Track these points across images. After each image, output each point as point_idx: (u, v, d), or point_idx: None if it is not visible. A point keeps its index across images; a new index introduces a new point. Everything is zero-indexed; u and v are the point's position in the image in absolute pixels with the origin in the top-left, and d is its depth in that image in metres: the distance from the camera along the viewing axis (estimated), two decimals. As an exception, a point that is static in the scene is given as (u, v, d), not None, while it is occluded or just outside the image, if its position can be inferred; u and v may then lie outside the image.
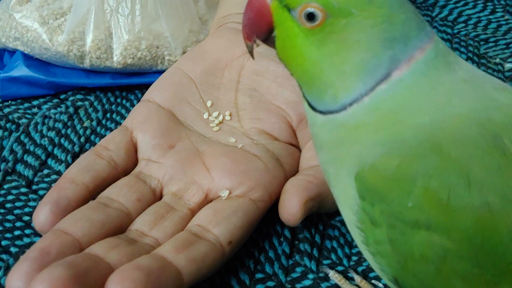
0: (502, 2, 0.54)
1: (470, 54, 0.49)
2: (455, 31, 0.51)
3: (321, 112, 0.26)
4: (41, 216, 0.32)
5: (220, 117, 0.38)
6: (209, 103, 0.39)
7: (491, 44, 0.50)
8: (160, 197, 0.34)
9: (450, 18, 0.53)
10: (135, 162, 0.36)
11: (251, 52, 0.28)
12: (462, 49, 0.49)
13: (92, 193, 0.34)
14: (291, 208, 0.33)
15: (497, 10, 0.53)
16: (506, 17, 0.53)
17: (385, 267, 0.25)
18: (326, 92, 0.25)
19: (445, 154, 0.23)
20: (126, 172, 0.35)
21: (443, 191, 0.22)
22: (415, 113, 0.24)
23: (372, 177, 0.24)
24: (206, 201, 0.34)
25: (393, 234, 0.24)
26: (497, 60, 0.48)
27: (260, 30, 0.27)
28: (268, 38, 0.27)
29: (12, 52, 0.47)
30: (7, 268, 0.35)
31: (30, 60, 0.46)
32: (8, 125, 0.44)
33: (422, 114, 0.24)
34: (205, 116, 0.38)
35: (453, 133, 0.23)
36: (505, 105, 0.24)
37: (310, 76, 0.25)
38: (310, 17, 0.24)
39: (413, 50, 0.24)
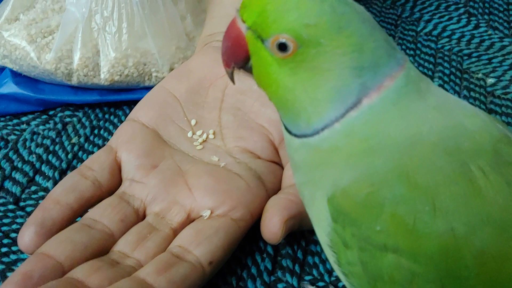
0: (486, 17, 0.55)
1: (453, 69, 0.49)
2: (439, 45, 0.52)
3: (296, 135, 0.27)
4: (26, 237, 0.32)
5: (204, 136, 0.39)
6: (193, 122, 0.39)
7: (474, 59, 0.50)
8: (143, 217, 0.35)
9: (435, 33, 0.54)
10: (119, 182, 0.36)
11: (231, 78, 0.29)
12: (446, 64, 0.50)
13: (77, 214, 0.34)
14: (272, 227, 0.33)
15: (481, 25, 0.54)
16: (489, 32, 0.53)
17: (358, 287, 0.26)
18: (300, 117, 0.26)
19: (412, 182, 0.24)
20: (111, 191, 0.36)
21: (409, 217, 0.23)
22: (385, 140, 0.25)
23: (343, 201, 0.25)
24: (189, 220, 0.34)
25: (363, 256, 0.25)
26: (479, 75, 0.49)
27: (237, 59, 0.27)
28: (245, 65, 0.28)
29: (1, 69, 0.48)
30: (-6, 286, 0.35)
31: (18, 77, 0.47)
32: (-3, 141, 0.45)
33: (392, 142, 0.25)
34: (189, 134, 0.39)
35: (421, 161, 0.24)
36: (474, 132, 0.25)
37: (284, 102, 0.26)
38: (282, 47, 0.25)
39: (383, 78, 0.25)
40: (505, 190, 0.24)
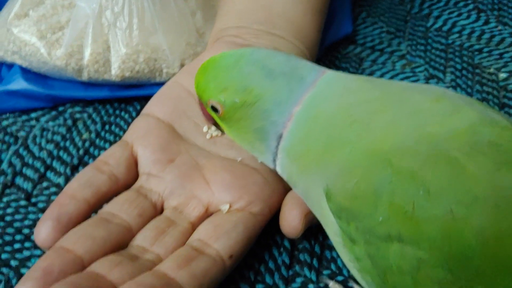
0: (495, 13, 0.55)
1: (464, 64, 0.49)
2: (449, 41, 0.52)
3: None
4: (43, 232, 0.32)
5: (219, 131, 0.38)
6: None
7: (485, 54, 0.50)
8: (161, 211, 0.35)
9: (445, 28, 0.54)
10: (135, 177, 0.36)
11: (216, 130, 0.37)
12: (457, 59, 0.50)
13: (93, 208, 0.34)
14: (292, 221, 0.33)
15: (490, 20, 0.54)
16: (499, 27, 0.53)
17: (371, 282, 0.26)
18: (258, 158, 0.32)
19: (396, 167, 0.24)
20: (127, 186, 0.35)
21: (407, 204, 0.23)
22: (336, 135, 0.27)
23: (339, 197, 0.26)
24: (207, 214, 0.34)
25: (370, 249, 0.25)
26: (491, 70, 0.49)
27: (209, 119, 0.34)
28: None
29: (10, 65, 0.48)
30: (8, 282, 0.35)
31: (28, 73, 0.46)
32: (6, 138, 0.44)
33: (346, 133, 0.27)
34: (205, 129, 0.38)
35: (392, 145, 0.25)
36: (437, 116, 0.25)
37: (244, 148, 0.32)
38: (214, 109, 0.31)
39: (290, 108, 0.29)
40: (492, 168, 0.23)
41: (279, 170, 0.31)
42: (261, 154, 0.31)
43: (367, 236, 0.25)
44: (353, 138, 0.26)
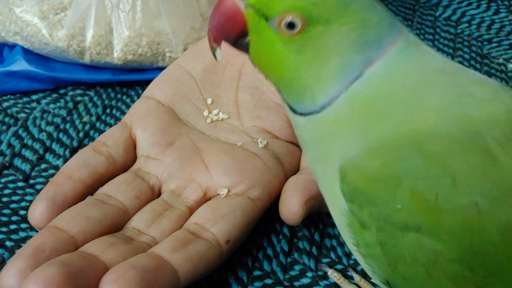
0: (506, 3, 0.54)
1: (473, 54, 0.48)
2: (458, 31, 0.51)
3: (302, 113, 0.27)
4: (37, 211, 0.31)
5: (220, 115, 0.38)
6: (209, 101, 0.38)
7: (494, 45, 0.49)
8: (159, 194, 0.34)
9: (454, 18, 0.53)
10: (133, 159, 0.36)
11: (214, 54, 0.29)
12: (465, 49, 0.49)
13: (90, 189, 0.33)
14: (292, 207, 0.32)
15: (501, 10, 0.53)
16: (510, 17, 0.52)
17: (376, 269, 0.25)
18: (305, 95, 0.26)
19: (427, 152, 0.23)
20: (125, 168, 0.35)
21: (430, 193, 0.22)
22: (390, 104, 0.24)
23: (357, 178, 0.24)
24: (205, 199, 0.34)
25: (382, 237, 0.24)
26: (500, 61, 0.48)
27: (231, 35, 0.27)
28: (237, 42, 0.27)
29: (12, 46, 0.47)
30: (2, 262, 0.34)
31: (29, 54, 0.46)
32: (6, 119, 0.44)
33: (397, 105, 0.24)
34: (205, 113, 0.38)
35: (432, 128, 0.23)
36: (483, 100, 0.24)
37: (289, 82, 0.26)
38: (290, 26, 0.25)
39: (385, 47, 0.25)
40: None
41: (319, 117, 0.26)
42: (315, 92, 0.26)
43: (381, 223, 0.23)
44: (394, 116, 0.24)
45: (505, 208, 0.22)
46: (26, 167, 0.40)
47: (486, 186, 0.22)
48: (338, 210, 0.26)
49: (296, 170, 0.36)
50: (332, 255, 0.35)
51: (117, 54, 0.45)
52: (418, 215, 0.22)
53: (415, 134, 0.23)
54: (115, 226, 0.31)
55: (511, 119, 0.24)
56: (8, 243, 0.35)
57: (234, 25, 0.26)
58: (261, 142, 0.36)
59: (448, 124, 0.23)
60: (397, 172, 0.23)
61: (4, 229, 0.36)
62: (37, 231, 0.35)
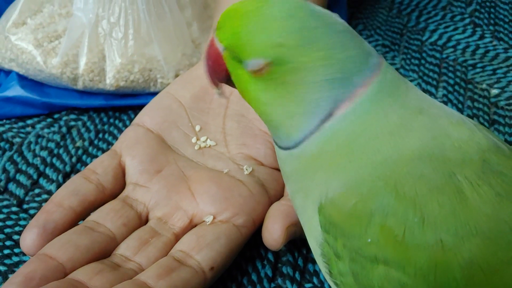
0: (491, 28, 0.55)
1: (457, 79, 0.49)
2: (444, 55, 0.52)
3: (281, 147, 0.28)
4: (28, 239, 0.33)
5: (208, 142, 0.39)
6: (197, 128, 0.39)
7: (478, 70, 0.50)
8: (146, 221, 0.35)
9: (440, 42, 0.54)
10: (122, 186, 0.37)
11: (220, 94, 0.31)
12: (450, 74, 0.50)
13: (79, 217, 0.34)
14: (274, 233, 0.33)
15: (486, 35, 0.54)
16: (494, 42, 0.53)
17: None
18: (280, 130, 0.27)
19: (400, 193, 0.24)
20: (114, 195, 0.36)
21: (398, 229, 0.23)
22: (368, 147, 0.25)
23: (333, 212, 0.25)
24: (191, 226, 0.35)
25: (355, 267, 0.25)
26: (484, 86, 0.49)
27: (220, 76, 0.29)
28: (229, 80, 0.29)
29: (8, 72, 0.48)
30: (-4, 287, 0.35)
31: (25, 80, 0.47)
32: (2, 144, 0.45)
33: (375, 148, 0.25)
34: (193, 140, 0.39)
35: (407, 170, 0.24)
36: (460, 141, 0.25)
37: (265, 117, 0.28)
38: (258, 67, 0.26)
39: (353, 88, 0.25)
40: (493, 200, 0.24)
41: (295, 152, 0.27)
42: (288, 128, 0.26)
43: (353, 254, 0.25)
44: (371, 157, 0.25)
45: (469, 247, 0.23)
46: (20, 192, 0.41)
47: (453, 225, 0.23)
48: (315, 240, 0.27)
49: (280, 195, 0.37)
50: (315, 280, 0.36)
51: (110, 81, 0.46)
52: (386, 249, 0.24)
53: (391, 175, 0.24)
54: (103, 252, 0.32)
55: (484, 158, 0.25)
56: (1, 268, 0.36)
57: (218, 67, 0.28)
58: (246, 169, 0.37)
59: (423, 165, 0.24)
60: (369, 210, 0.24)
61: (-3, 254, 0.37)
62: (30, 257, 0.36)
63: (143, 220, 0.35)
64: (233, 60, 0.27)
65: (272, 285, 0.36)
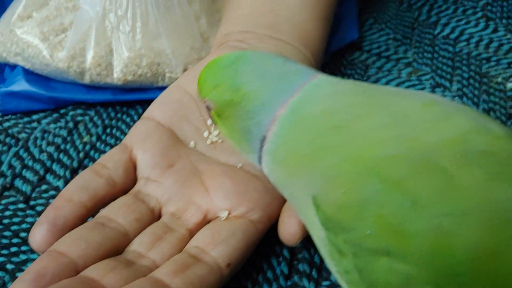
0: (504, 21, 0.54)
1: (472, 73, 0.48)
2: (457, 49, 0.51)
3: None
4: (38, 235, 0.31)
5: (221, 136, 0.38)
6: (209, 122, 0.38)
7: (493, 63, 0.50)
8: (159, 216, 0.34)
9: (452, 36, 0.53)
10: (134, 181, 0.36)
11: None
12: (464, 68, 0.49)
13: (90, 212, 0.33)
14: (291, 228, 0.32)
15: (499, 29, 0.53)
16: (508, 36, 0.52)
17: None
18: (245, 156, 0.32)
19: (384, 177, 0.23)
20: (125, 190, 0.35)
21: (395, 217, 0.23)
22: (323, 143, 0.26)
23: (326, 208, 0.25)
24: (205, 221, 0.34)
25: (358, 263, 0.24)
26: (499, 80, 0.48)
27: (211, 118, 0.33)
28: None
29: (13, 66, 0.47)
30: (3, 286, 0.34)
31: (30, 75, 0.46)
32: (7, 139, 0.44)
33: (331, 141, 0.26)
34: (205, 134, 0.38)
35: (380, 152, 0.24)
36: (432, 121, 0.24)
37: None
38: (209, 105, 0.31)
39: (274, 110, 0.28)
40: (481, 180, 0.22)
41: (265, 172, 0.30)
42: (247, 154, 0.31)
43: (355, 249, 0.24)
44: (336, 144, 0.25)
45: (469, 228, 0.22)
46: (26, 188, 0.40)
47: (447, 206, 0.22)
48: (318, 238, 0.27)
49: (296, 191, 0.36)
50: (332, 278, 0.35)
51: (117, 75, 0.45)
52: (386, 239, 0.23)
53: (365, 159, 0.24)
54: (115, 249, 0.31)
55: (465, 139, 0.24)
56: (9, 266, 0.35)
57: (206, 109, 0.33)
58: None
59: (393, 147, 0.24)
60: (359, 198, 0.23)
61: (4, 251, 0.36)
62: (38, 254, 0.35)
63: (155, 216, 0.34)
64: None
65: (289, 282, 0.35)
